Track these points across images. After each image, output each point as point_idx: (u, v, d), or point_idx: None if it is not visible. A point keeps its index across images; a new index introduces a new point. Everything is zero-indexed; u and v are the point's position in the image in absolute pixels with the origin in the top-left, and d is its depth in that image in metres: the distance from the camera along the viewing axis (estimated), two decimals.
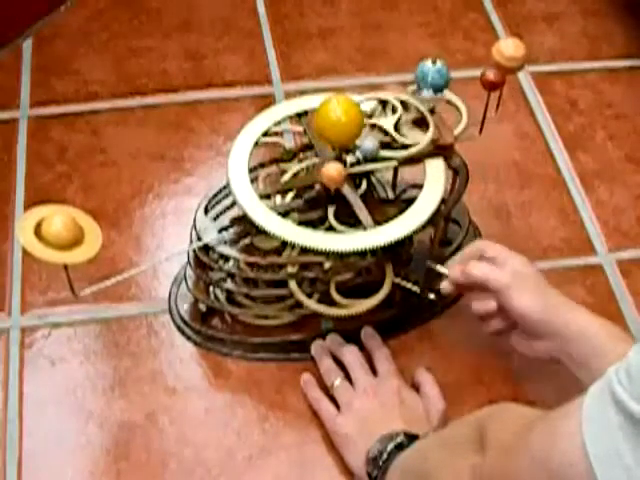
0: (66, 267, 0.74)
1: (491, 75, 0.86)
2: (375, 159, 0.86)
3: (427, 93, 0.88)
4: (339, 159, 0.86)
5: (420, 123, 0.89)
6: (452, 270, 0.87)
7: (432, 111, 0.89)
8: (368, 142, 0.85)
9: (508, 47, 0.86)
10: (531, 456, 0.54)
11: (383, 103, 0.90)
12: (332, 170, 0.82)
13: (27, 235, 0.70)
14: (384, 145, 0.87)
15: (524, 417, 0.60)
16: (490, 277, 0.83)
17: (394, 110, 0.89)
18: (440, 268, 0.88)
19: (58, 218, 0.70)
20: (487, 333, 0.87)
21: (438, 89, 0.88)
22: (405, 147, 0.87)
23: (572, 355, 0.78)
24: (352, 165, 0.86)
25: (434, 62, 0.87)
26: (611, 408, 0.49)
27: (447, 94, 0.90)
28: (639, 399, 0.48)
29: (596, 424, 0.50)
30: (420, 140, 0.87)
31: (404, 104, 0.89)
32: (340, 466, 0.85)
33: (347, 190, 0.86)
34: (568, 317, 0.79)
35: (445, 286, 0.87)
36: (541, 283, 0.83)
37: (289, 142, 1.04)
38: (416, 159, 0.88)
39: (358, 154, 0.85)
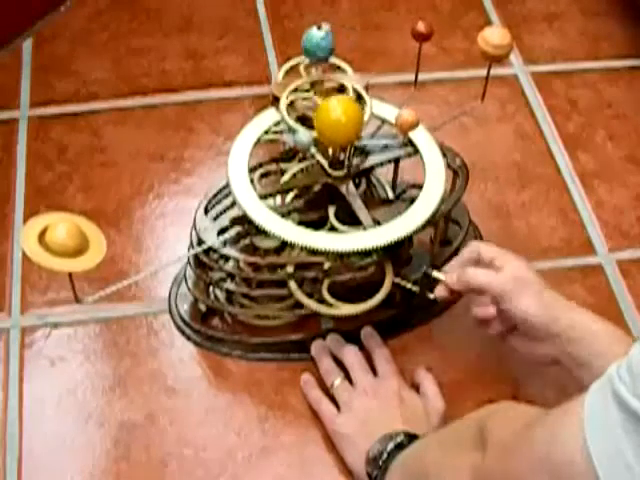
0: (70, 275, 0.74)
1: (421, 27, 0.88)
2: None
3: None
4: (338, 159, 0.86)
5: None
6: (449, 276, 0.85)
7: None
8: (302, 135, 0.84)
9: (493, 35, 0.86)
10: (532, 455, 0.54)
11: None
12: (407, 115, 0.83)
13: (31, 243, 0.69)
14: None
15: (524, 416, 0.60)
16: (489, 283, 0.81)
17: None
18: (437, 274, 0.86)
19: (62, 226, 0.70)
20: (487, 334, 0.87)
21: (325, 56, 0.88)
22: None
23: (573, 356, 0.77)
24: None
25: (319, 28, 0.86)
26: (613, 406, 0.49)
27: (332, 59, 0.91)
28: None
29: (597, 422, 0.50)
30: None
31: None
32: (340, 466, 0.85)
33: (347, 190, 0.86)
34: (569, 319, 0.78)
35: (440, 291, 0.86)
36: (540, 285, 0.81)
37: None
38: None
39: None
